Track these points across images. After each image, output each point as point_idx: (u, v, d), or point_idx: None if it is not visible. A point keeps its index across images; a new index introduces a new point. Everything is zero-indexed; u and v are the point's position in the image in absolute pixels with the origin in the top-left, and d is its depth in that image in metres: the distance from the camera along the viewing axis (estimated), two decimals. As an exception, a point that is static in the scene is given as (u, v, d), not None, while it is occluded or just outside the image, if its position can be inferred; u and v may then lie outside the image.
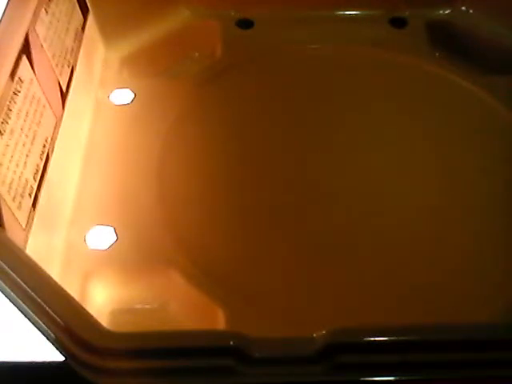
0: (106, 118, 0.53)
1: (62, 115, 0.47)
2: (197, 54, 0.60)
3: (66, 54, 0.49)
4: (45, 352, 0.32)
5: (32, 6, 0.44)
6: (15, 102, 0.40)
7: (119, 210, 0.47)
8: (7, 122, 0.39)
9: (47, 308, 0.32)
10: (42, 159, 0.43)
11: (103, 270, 0.44)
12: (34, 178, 0.41)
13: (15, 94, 0.40)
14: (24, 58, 0.41)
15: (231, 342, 0.32)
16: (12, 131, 0.39)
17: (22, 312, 0.32)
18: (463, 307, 0.42)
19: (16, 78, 0.40)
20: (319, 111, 0.54)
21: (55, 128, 0.45)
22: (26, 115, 0.41)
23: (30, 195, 0.40)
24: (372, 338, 0.32)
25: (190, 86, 0.56)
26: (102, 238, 0.45)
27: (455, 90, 0.56)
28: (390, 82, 0.57)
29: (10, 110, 0.39)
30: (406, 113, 0.54)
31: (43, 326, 0.32)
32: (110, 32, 0.58)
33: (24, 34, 0.42)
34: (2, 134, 0.38)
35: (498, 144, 0.52)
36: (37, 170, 0.42)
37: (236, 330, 0.33)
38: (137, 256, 0.44)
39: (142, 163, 0.50)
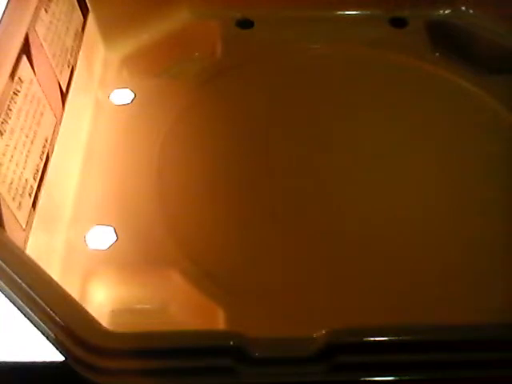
0: (105, 117, 0.53)
1: (61, 115, 0.47)
2: (197, 54, 0.60)
3: (66, 54, 0.49)
4: (45, 352, 0.32)
5: (32, 6, 0.44)
6: (15, 102, 0.40)
7: (119, 210, 0.47)
8: (7, 122, 0.39)
9: (47, 308, 0.32)
10: (42, 159, 0.43)
11: (103, 270, 0.44)
12: (34, 178, 0.41)
13: (15, 94, 0.40)
14: (24, 58, 0.41)
15: (231, 342, 0.32)
16: (12, 131, 0.39)
17: (21, 312, 0.32)
18: (463, 307, 0.42)
19: (16, 78, 0.40)
20: (319, 111, 0.54)
21: (55, 128, 0.45)
22: (26, 115, 0.41)
23: (30, 195, 0.40)
24: (372, 338, 0.32)
25: (190, 86, 0.56)
26: (102, 237, 0.45)
27: (455, 90, 0.56)
28: (389, 82, 0.57)
29: (10, 110, 0.39)
30: (405, 113, 0.54)
31: (43, 325, 0.32)
32: (109, 32, 0.58)
33: (24, 34, 0.42)
34: (2, 134, 0.38)
35: (498, 144, 0.52)
36: (37, 170, 0.42)
37: (236, 330, 0.33)
38: (137, 256, 0.44)
39: (142, 163, 0.50)
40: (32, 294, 0.32)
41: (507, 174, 0.50)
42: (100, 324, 0.32)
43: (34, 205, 0.41)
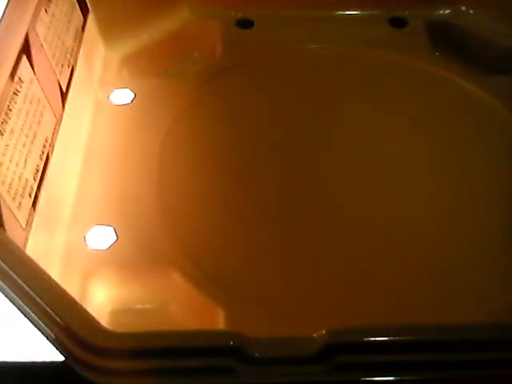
0: (105, 118, 0.53)
1: (61, 115, 0.47)
2: (197, 54, 0.60)
3: (65, 54, 0.49)
4: (45, 352, 0.32)
5: (32, 5, 0.44)
6: (15, 102, 0.40)
7: (119, 210, 0.47)
8: (7, 122, 0.39)
9: (47, 308, 0.32)
10: (42, 159, 0.43)
11: (103, 270, 0.44)
12: (33, 178, 0.41)
13: (15, 94, 0.40)
14: (24, 57, 0.41)
15: (231, 342, 0.32)
16: (12, 131, 0.39)
17: (21, 312, 0.32)
18: (463, 307, 0.42)
19: (16, 78, 0.40)
20: (319, 111, 0.54)
21: (55, 128, 0.45)
22: (26, 115, 0.41)
23: (30, 195, 0.40)
24: (372, 338, 0.32)
25: (189, 86, 0.56)
26: (102, 237, 0.45)
27: (455, 89, 0.56)
28: (389, 82, 0.57)
29: (10, 110, 0.39)
30: (405, 112, 0.54)
31: (43, 325, 0.32)
32: (110, 32, 0.58)
33: (24, 34, 0.42)
34: (2, 134, 0.38)
35: (498, 144, 0.52)
36: (37, 170, 0.42)
37: (236, 330, 0.33)
38: (137, 256, 0.44)
39: (142, 163, 0.50)
40: (32, 293, 0.32)
41: (507, 173, 0.50)
42: (100, 324, 0.32)
43: (34, 205, 0.41)
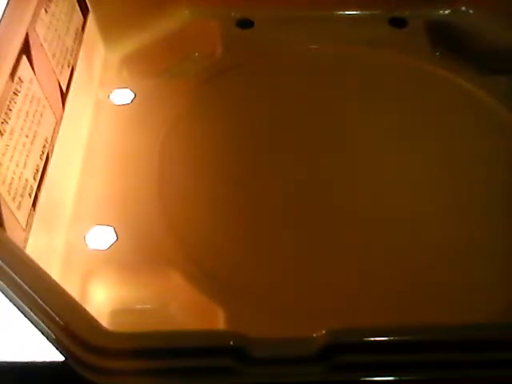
0: (106, 118, 0.53)
1: (61, 115, 0.47)
2: (197, 54, 0.60)
3: (65, 53, 0.49)
4: (45, 352, 0.32)
5: (32, 6, 0.44)
6: (15, 102, 0.40)
7: (119, 210, 0.47)
8: (7, 122, 0.39)
9: (47, 308, 0.32)
10: (42, 159, 0.43)
11: (103, 270, 0.44)
12: (34, 178, 0.41)
13: (15, 93, 0.40)
14: (24, 58, 0.41)
15: (231, 342, 0.32)
16: (12, 131, 0.39)
17: (21, 312, 0.32)
18: (463, 307, 0.42)
19: (16, 78, 0.40)
20: (319, 111, 0.54)
21: (55, 128, 0.45)
22: (26, 115, 0.41)
23: (29, 195, 0.40)
24: (372, 338, 0.32)
25: (189, 86, 0.56)
26: (102, 237, 0.45)
27: (455, 89, 0.56)
28: (389, 82, 0.57)
29: (10, 110, 0.39)
30: (405, 113, 0.54)
31: (43, 326, 0.32)
32: (110, 32, 0.58)
33: (24, 34, 0.42)
34: (2, 134, 0.38)
35: (498, 144, 0.52)
36: (37, 170, 0.42)
37: (236, 330, 0.33)
38: (137, 256, 0.44)
39: (142, 163, 0.50)
40: (32, 293, 0.32)
41: (507, 173, 0.50)
42: (100, 324, 0.32)
43: (34, 205, 0.41)
